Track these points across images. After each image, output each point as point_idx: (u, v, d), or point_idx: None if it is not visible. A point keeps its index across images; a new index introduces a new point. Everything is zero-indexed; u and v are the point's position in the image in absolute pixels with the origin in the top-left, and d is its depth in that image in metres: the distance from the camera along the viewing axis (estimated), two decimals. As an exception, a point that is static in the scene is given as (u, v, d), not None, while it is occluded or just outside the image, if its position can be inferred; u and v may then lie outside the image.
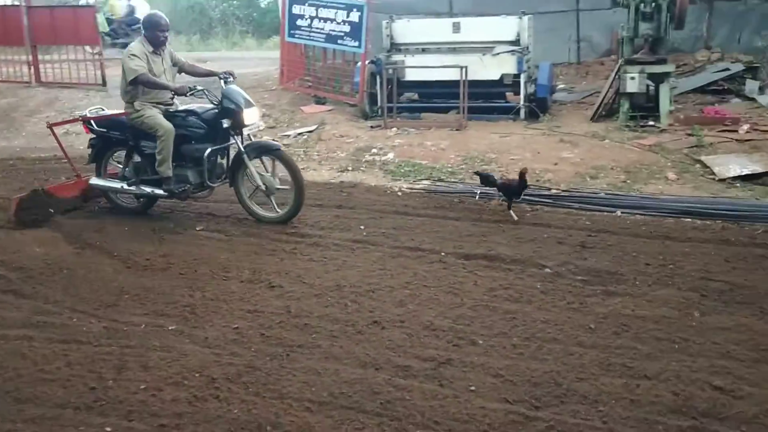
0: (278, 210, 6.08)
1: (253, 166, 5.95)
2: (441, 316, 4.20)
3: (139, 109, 5.91)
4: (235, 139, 5.94)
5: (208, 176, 6.02)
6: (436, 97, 10.45)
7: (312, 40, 11.10)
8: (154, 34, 5.99)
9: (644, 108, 9.31)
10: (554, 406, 3.24)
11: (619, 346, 3.79)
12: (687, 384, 3.39)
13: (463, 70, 9.19)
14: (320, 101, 11.10)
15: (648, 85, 9.32)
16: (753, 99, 10.06)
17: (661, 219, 6.02)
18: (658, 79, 9.18)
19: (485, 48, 9.95)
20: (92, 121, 6.34)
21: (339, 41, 10.72)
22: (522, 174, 6.10)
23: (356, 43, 10.47)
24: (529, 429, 3.08)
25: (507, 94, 10.30)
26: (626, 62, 9.28)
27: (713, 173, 7.14)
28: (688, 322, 4.08)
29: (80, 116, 6.60)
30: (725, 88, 10.79)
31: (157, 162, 5.91)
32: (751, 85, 10.40)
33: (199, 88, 5.89)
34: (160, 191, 6.08)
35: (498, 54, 9.78)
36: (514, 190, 6.14)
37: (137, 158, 6.28)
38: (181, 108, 6.18)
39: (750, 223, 5.81)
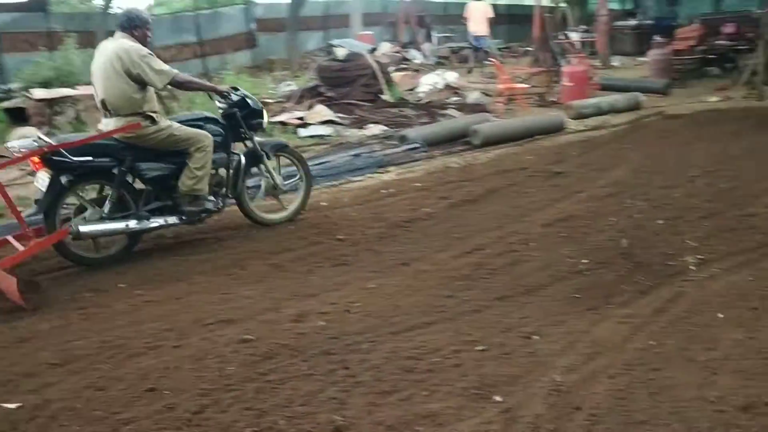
0: (286, 207, 5.80)
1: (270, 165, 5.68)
2: None
3: (158, 120, 4.91)
4: (254, 142, 5.54)
5: (231, 188, 5.44)
6: None
7: None
8: (143, 33, 4.95)
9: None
10: None
11: None
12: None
13: None
14: None
15: None
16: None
17: None
18: None
19: None
20: (63, 150, 4.50)
21: None
22: None
23: None
24: None
25: None
26: None
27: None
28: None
29: (44, 146, 4.50)
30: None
31: (195, 179, 5.03)
32: None
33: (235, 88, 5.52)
34: (173, 218, 5.11)
35: None
36: None
37: (119, 190, 4.88)
38: (186, 115, 5.59)
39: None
